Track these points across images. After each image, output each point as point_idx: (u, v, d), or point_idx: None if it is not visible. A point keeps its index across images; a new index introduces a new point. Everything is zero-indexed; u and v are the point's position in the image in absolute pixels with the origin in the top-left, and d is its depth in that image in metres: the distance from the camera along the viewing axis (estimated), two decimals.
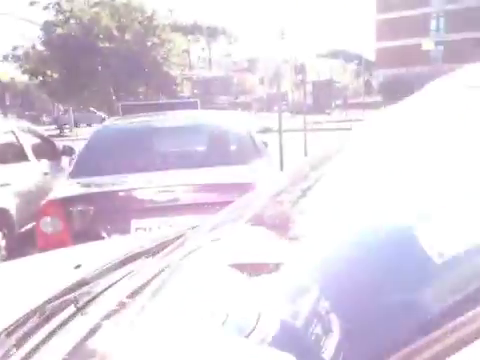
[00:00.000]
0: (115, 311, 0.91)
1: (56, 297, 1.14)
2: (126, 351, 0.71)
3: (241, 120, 4.23)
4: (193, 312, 0.73)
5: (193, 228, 1.47)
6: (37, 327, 0.97)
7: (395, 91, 31.05)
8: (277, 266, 0.79)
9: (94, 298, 1.04)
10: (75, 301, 1.09)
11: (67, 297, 1.14)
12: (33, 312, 1.07)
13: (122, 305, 0.94)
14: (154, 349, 0.68)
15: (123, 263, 1.35)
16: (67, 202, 2.98)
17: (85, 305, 1.02)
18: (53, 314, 1.02)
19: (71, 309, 1.04)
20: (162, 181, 3.16)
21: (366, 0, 53.74)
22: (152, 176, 3.24)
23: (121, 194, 3.06)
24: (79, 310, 1.00)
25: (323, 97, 26.93)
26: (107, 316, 0.88)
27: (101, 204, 2.97)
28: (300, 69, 13.76)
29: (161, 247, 1.47)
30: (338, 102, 28.34)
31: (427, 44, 31.53)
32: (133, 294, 0.96)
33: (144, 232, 2.90)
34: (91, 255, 1.69)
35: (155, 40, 23.77)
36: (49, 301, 1.12)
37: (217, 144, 3.78)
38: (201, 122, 4.09)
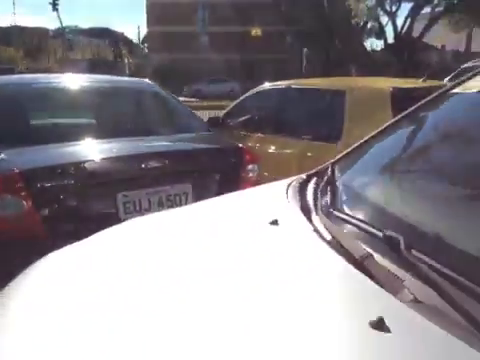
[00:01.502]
0: None
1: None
2: None
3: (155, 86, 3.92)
4: None
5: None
6: None
7: (167, 76, 32.14)
8: None
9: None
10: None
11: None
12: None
13: None
14: None
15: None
16: (30, 175, 2.34)
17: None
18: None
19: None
20: (132, 149, 2.78)
21: None
22: (112, 144, 2.80)
23: (102, 163, 2.54)
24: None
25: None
26: None
27: (76, 176, 2.43)
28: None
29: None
30: None
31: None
32: None
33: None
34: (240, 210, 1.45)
35: None
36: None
37: (159, 111, 3.45)
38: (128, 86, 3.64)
